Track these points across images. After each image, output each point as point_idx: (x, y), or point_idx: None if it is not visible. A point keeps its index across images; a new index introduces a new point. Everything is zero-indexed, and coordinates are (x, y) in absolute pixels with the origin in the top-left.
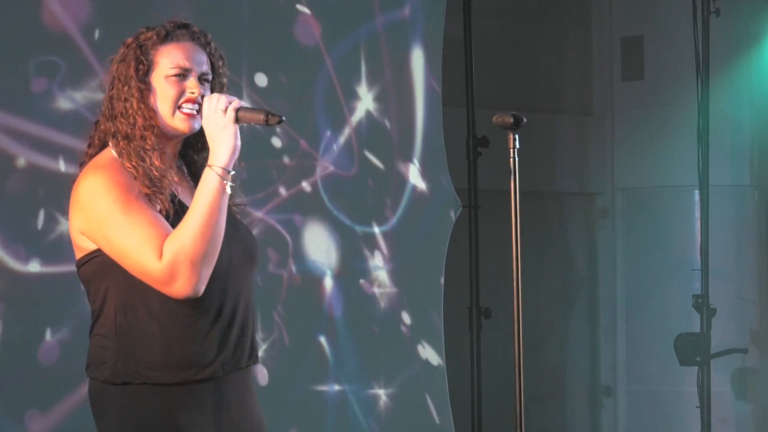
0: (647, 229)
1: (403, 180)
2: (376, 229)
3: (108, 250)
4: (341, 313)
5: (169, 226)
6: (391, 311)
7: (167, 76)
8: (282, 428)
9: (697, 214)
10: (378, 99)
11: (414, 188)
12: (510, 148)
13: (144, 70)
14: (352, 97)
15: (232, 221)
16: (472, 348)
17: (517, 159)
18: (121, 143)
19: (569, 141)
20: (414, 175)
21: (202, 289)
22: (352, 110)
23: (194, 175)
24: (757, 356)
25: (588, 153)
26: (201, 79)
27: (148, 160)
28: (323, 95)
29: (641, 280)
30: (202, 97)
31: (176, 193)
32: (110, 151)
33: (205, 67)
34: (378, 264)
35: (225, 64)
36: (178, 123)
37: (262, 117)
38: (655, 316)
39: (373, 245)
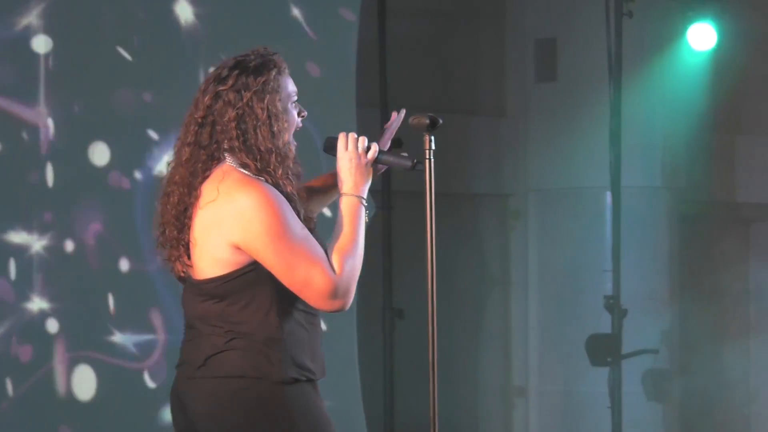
0: (560, 230)
1: None
2: None
3: (271, 263)
4: None
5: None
6: None
7: (292, 102)
8: None
9: (609, 215)
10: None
11: None
12: (426, 150)
13: (284, 100)
14: None
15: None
16: (384, 349)
17: (432, 160)
18: (278, 170)
19: (483, 142)
20: None
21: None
22: None
23: None
24: (667, 357)
25: (501, 154)
26: None
27: (298, 184)
28: None
29: (553, 281)
30: None
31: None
32: (241, 171)
33: None
34: None
35: None
36: (293, 147)
37: (407, 164)
38: (567, 317)
39: None
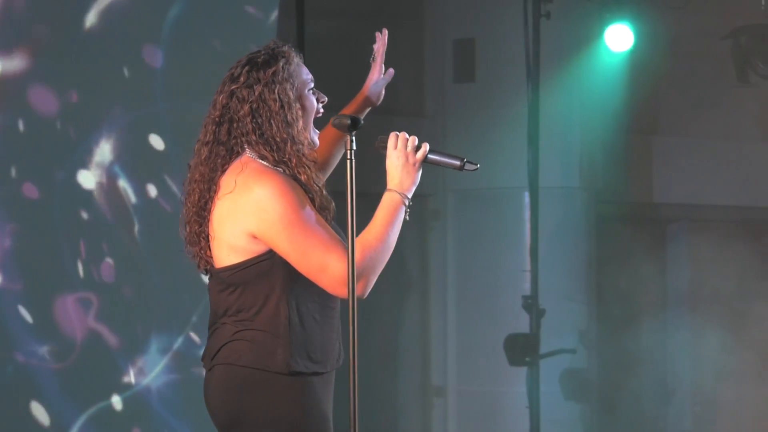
0: (478, 231)
1: None
2: None
3: (287, 250)
4: None
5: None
6: None
7: (309, 89)
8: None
9: (527, 215)
10: None
11: None
12: (347, 150)
13: (297, 91)
14: None
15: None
16: None
17: (353, 160)
18: (293, 159)
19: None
20: None
21: (367, 295)
22: None
23: None
24: (585, 356)
25: None
26: None
27: (312, 173)
28: None
29: (472, 281)
30: None
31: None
32: (259, 162)
33: None
34: None
35: None
36: (314, 135)
37: (456, 163)
38: (485, 317)
39: None
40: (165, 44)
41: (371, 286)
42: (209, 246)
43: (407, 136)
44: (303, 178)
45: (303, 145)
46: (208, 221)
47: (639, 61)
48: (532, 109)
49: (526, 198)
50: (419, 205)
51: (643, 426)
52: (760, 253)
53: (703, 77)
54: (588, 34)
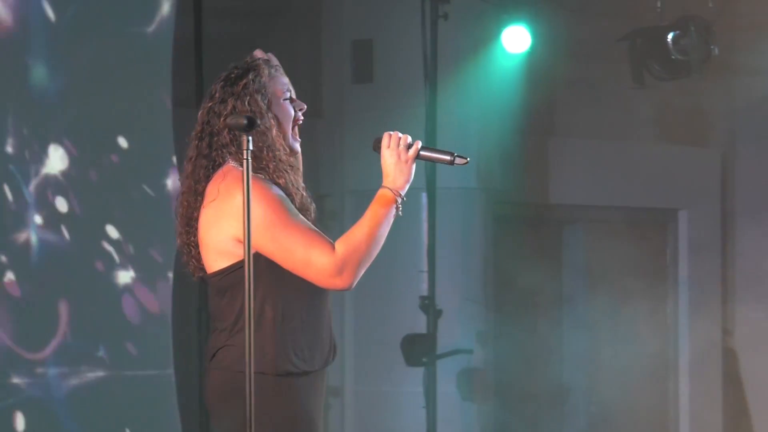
0: None
1: None
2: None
3: (271, 250)
4: None
5: (318, 230)
6: None
7: (284, 100)
8: None
9: (425, 215)
10: None
11: None
12: (243, 150)
13: (269, 102)
14: None
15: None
16: (200, 351)
17: (250, 161)
18: (269, 165)
19: (300, 143)
20: None
21: (354, 285)
22: None
23: None
24: (482, 357)
25: (318, 155)
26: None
27: (293, 175)
28: None
29: (369, 281)
30: None
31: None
32: (240, 169)
33: None
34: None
35: None
36: (293, 144)
37: (447, 158)
38: (382, 317)
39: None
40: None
41: (356, 278)
42: (199, 254)
43: (400, 135)
44: (281, 182)
45: (279, 151)
46: (196, 230)
47: (536, 62)
48: (430, 110)
49: (424, 199)
50: (317, 205)
51: (540, 426)
52: (653, 253)
53: (599, 79)
54: (485, 36)
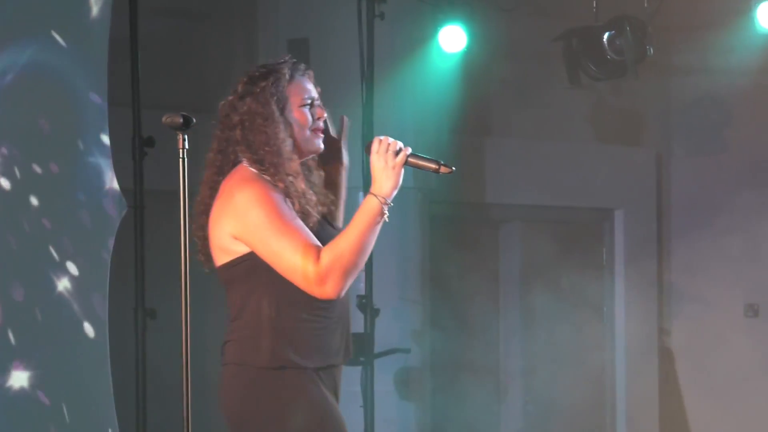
0: None
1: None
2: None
3: (262, 252)
4: None
5: (314, 236)
6: None
7: (300, 106)
8: None
9: None
10: None
11: None
12: (179, 149)
13: (282, 105)
14: None
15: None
16: (137, 349)
17: (186, 159)
18: (270, 169)
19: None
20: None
21: (342, 294)
22: None
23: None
24: (419, 356)
25: None
26: (319, 104)
27: (295, 181)
28: None
29: None
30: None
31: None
32: (250, 170)
33: (316, 93)
34: None
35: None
36: (311, 146)
37: (433, 166)
38: None
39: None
40: None
41: (343, 287)
42: (208, 248)
43: (390, 140)
44: (281, 186)
45: (283, 156)
46: (207, 225)
47: (472, 62)
48: (366, 110)
49: (361, 198)
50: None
51: (477, 424)
52: (589, 253)
53: (535, 79)
54: (421, 35)
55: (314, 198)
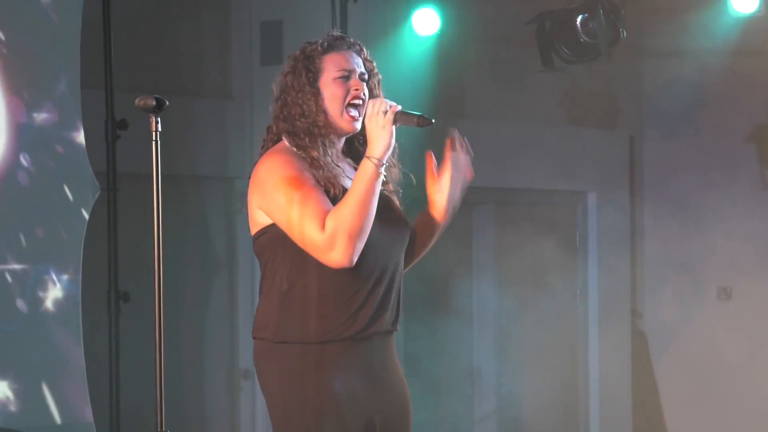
0: None
1: None
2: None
3: (279, 219)
4: None
5: (332, 206)
6: None
7: (334, 79)
8: None
9: None
10: None
11: None
12: (152, 131)
13: (313, 77)
14: None
15: (386, 203)
16: (110, 332)
17: (158, 142)
18: (305, 139)
19: (208, 125)
20: None
21: (355, 259)
22: None
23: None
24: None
25: (227, 137)
26: (360, 78)
27: (324, 151)
28: None
29: None
30: (365, 94)
31: (343, 182)
32: (285, 143)
33: (362, 69)
34: None
35: (375, 67)
36: (344, 124)
37: (414, 120)
38: None
39: None
40: None
41: (352, 251)
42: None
43: (382, 101)
44: (314, 154)
45: (316, 125)
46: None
47: (445, 45)
48: None
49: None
50: (226, 187)
51: (450, 408)
52: (562, 236)
53: (508, 61)
54: (395, 18)
55: (342, 170)
